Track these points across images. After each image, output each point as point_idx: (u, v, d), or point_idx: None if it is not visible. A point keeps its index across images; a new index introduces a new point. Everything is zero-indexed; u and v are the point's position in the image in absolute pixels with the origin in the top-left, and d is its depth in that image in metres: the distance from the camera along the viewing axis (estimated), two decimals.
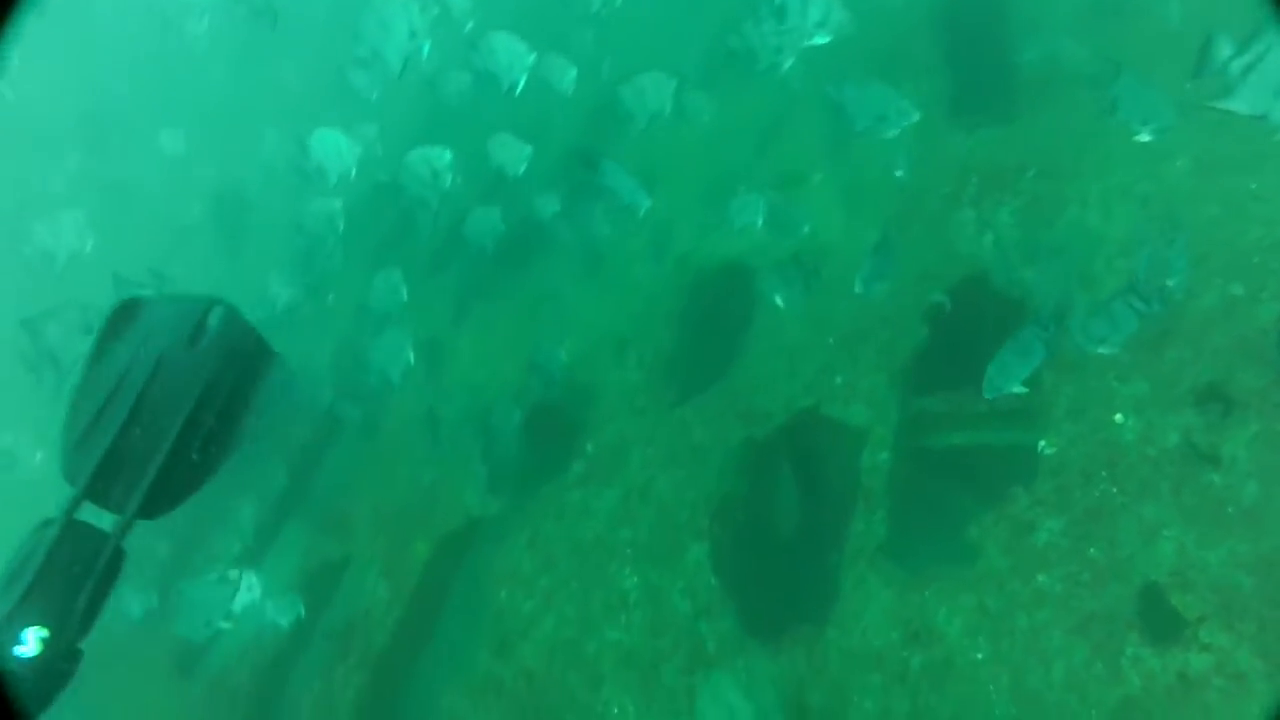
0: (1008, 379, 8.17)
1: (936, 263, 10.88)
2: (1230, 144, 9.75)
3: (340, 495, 13.67)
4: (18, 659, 6.01)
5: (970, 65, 12.93)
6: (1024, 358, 8.08)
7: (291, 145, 14.77)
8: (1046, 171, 11.42)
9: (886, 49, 13.28)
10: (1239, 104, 7.44)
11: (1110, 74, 8.14)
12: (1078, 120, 11.55)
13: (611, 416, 11.67)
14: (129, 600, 13.27)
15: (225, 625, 10.80)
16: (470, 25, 13.04)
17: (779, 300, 10.48)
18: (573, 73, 12.21)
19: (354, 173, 11.75)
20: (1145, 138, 8.29)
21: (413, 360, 11.77)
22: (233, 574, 10.86)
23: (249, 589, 11.01)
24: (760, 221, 11.30)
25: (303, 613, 11.87)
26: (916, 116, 9.01)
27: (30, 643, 5.92)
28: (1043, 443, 9.16)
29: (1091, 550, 8.36)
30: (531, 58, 10.69)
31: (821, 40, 9.50)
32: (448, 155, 11.07)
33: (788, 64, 9.77)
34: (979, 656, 8.22)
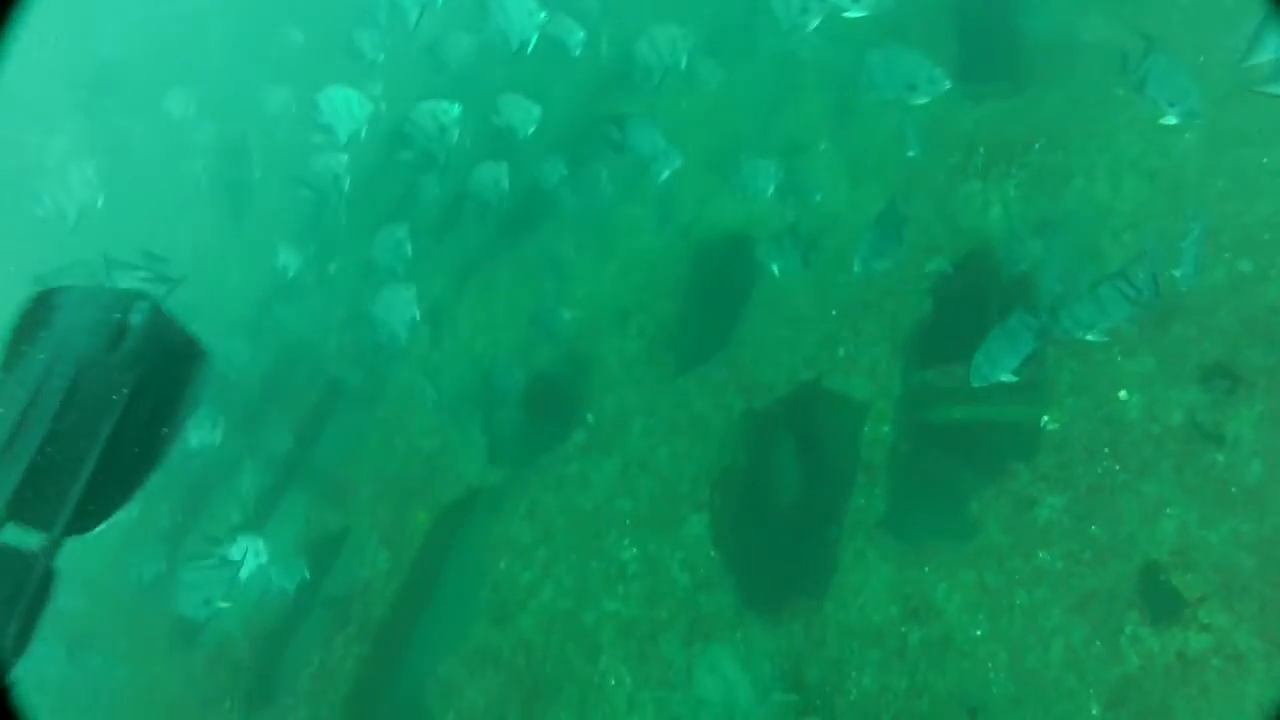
0: (995, 368, 7.99)
1: (942, 235, 10.78)
2: (1240, 117, 9.61)
3: (341, 464, 13.62)
4: None
5: (980, 36, 12.76)
6: (1013, 346, 7.88)
7: (299, 104, 14.59)
8: (1054, 144, 11.29)
9: (895, 18, 13.11)
10: None
11: (1140, 50, 7.73)
12: (1087, 93, 11.41)
13: (612, 386, 11.60)
14: (138, 566, 13.26)
15: (224, 605, 10.79)
16: None
17: (775, 270, 10.36)
18: (581, 34, 12.03)
19: (364, 131, 11.61)
20: (1171, 120, 7.88)
21: (418, 316, 11.63)
22: (235, 551, 10.84)
23: (256, 554, 11.03)
24: (771, 189, 11.15)
25: (307, 575, 11.83)
26: (948, 85, 8.56)
27: None
28: (1046, 418, 9.10)
29: (1093, 528, 8.32)
30: (542, 15, 10.54)
31: (856, 14, 9.27)
32: (455, 109, 10.84)
33: (813, 24, 9.59)
34: (978, 633, 8.19)
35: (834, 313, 10.48)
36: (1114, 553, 8.13)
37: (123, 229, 16.74)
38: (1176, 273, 8.11)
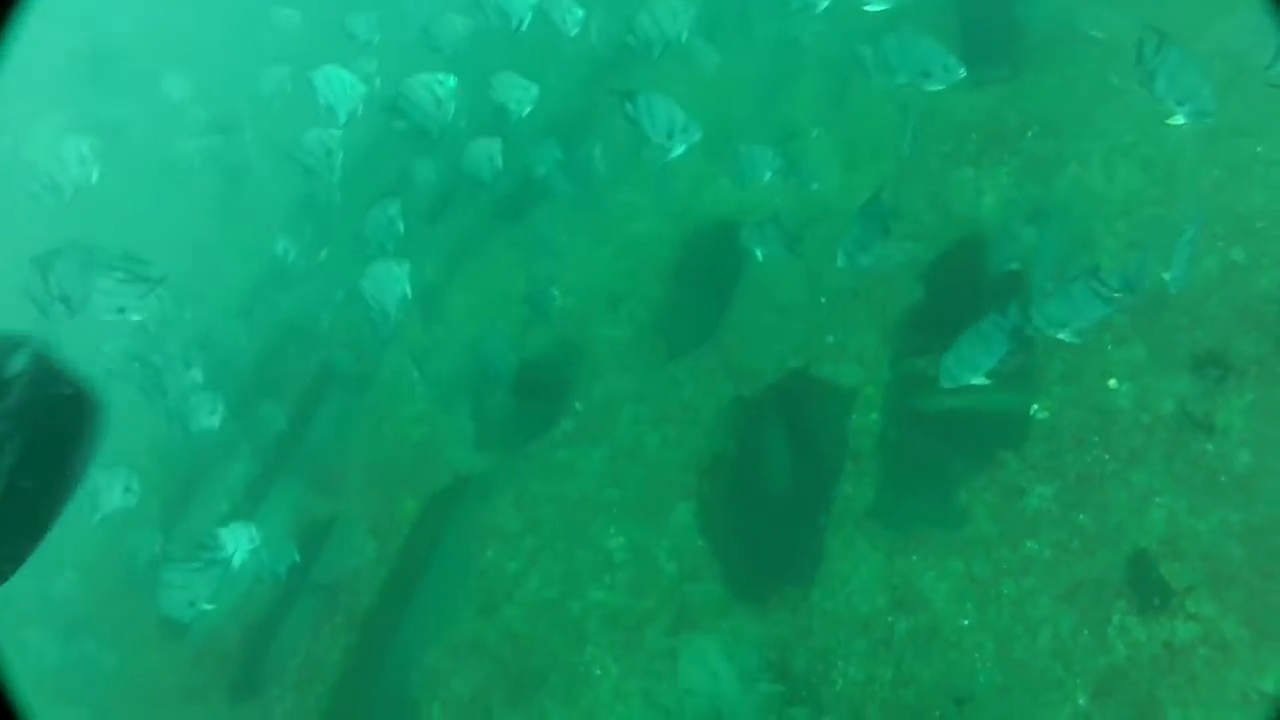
0: (965, 370, 7.83)
1: (934, 222, 10.70)
2: (1235, 107, 9.52)
3: (330, 452, 13.54)
4: None
5: (979, 22, 12.66)
6: (985, 348, 7.70)
7: (294, 83, 14.44)
8: (1048, 131, 11.22)
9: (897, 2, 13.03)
10: None
11: (1151, 44, 7.40)
12: (1082, 80, 11.33)
13: (601, 373, 11.52)
14: (135, 549, 13.19)
15: (209, 607, 10.72)
16: None
17: (759, 255, 10.24)
18: (579, 12, 11.90)
19: (359, 110, 11.49)
20: (1179, 120, 7.54)
21: (410, 293, 11.48)
22: (226, 539, 10.78)
23: (248, 541, 10.99)
24: (768, 176, 11.05)
25: (297, 558, 11.75)
26: (963, 72, 8.19)
27: None
28: (1035, 406, 9.03)
29: (1081, 517, 8.26)
30: None
31: (877, 7, 9.07)
32: (451, 82, 10.60)
33: (822, 6, 9.45)
34: (965, 623, 8.13)
35: (823, 300, 10.41)
36: (1102, 542, 8.08)
37: (117, 207, 16.72)
38: (1167, 275, 7.97)
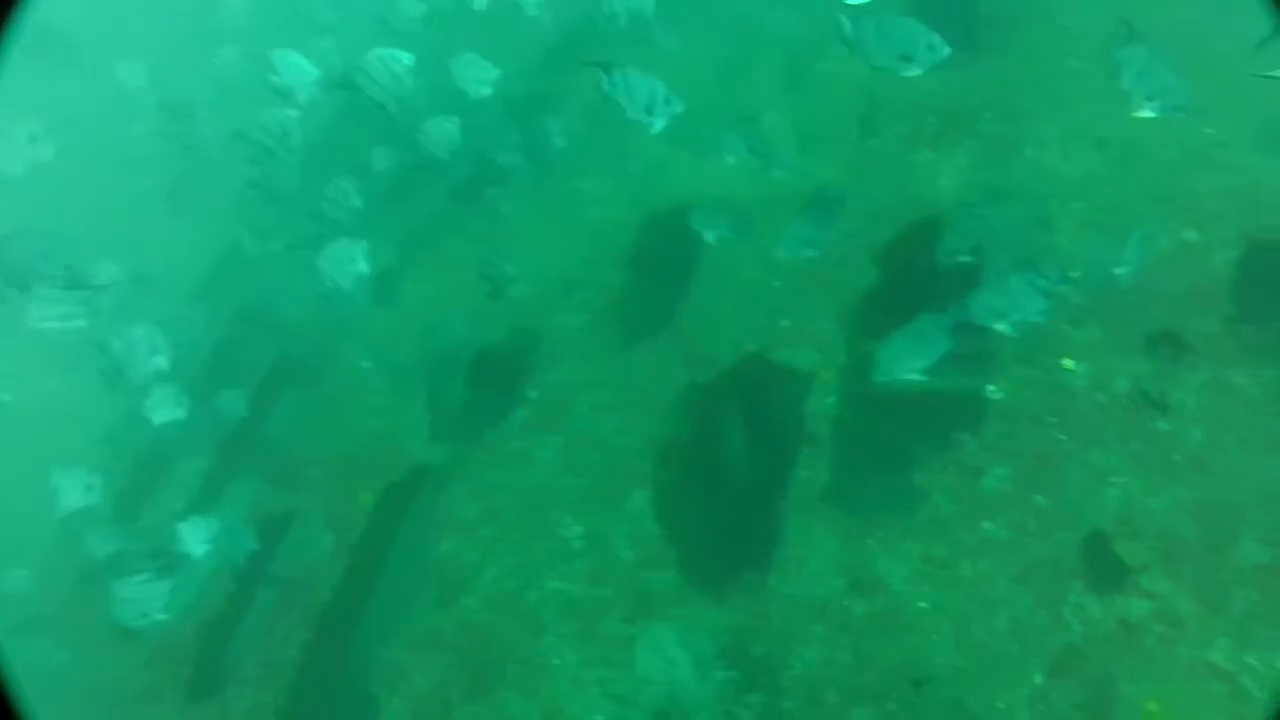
0: (900, 366, 7.80)
1: (891, 204, 10.67)
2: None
3: (286, 444, 13.36)
4: None
5: (936, 3, 12.64)
6: (921, 345, 7.66)
7: (249, 62, 14.25)
8: (1005, 113, 11.23)
9: None
10: None
11: (1121, 37, 7.44)
12: (1039, 63, 11.35)
13: (557, 361, 11.41)
14: (92, 544, 12.99)
15: (163, 617, 10.61)
16: None
17: (710, 238, 10.17)
18: None
19: (314, 95, 11.34)
20: (1148, 113, 7.50)
21: (367, 271, 11.33)
22: (185, 539, 10.69)
23: (208, 535, 10.87)
24: (732, 160, 10.99)
25: (256, 545, 11.60)
26: (947, 51, 7.84)
27: None
28: (992, 387, 9.02)
29: (1038, 497, 8.26)
30: None
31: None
32: (407, 58, 10.39)
33: None
34: (923, 605, 8.09)
35: (779, 284, 10.35)
36: (1059, 522, 8.08)
37: (69, 190, 16.46)
38: (1118, 270, 8.00)
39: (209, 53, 17.26)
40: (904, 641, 8.02)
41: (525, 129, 13.36)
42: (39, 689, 12.51)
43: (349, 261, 11.05)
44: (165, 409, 12.33)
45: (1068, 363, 8.79)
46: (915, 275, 9.99)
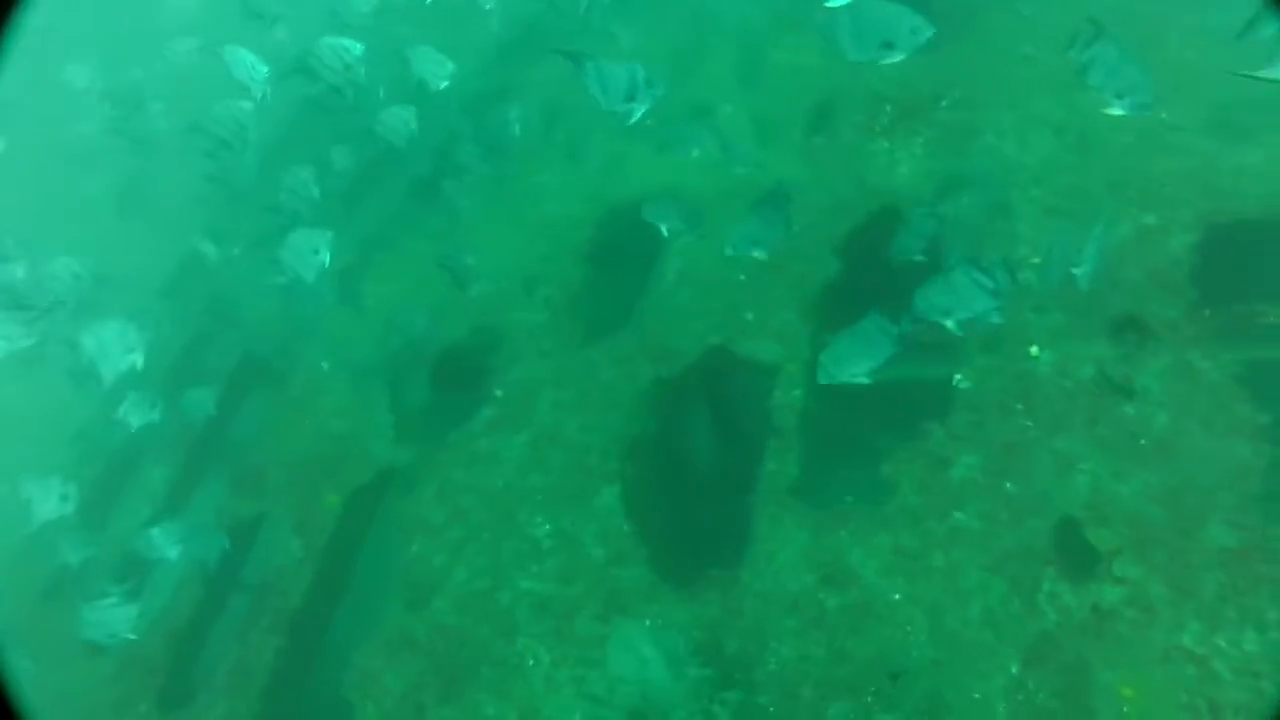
0: (843, 369, 7.68)
1: (849, 194, 10.66)
2: None
3: (252, 449, 13.18)
4: None
5: None
6: (866, 350, 7.51)
7: (201, 55, 14.00)
8: (962, 101, 11.26)
9: None
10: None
11: (1086, 35, 7.33)
12: (995, 49, 11.38)
13: (518, 359, 11.31)
14: (62, 552, 12.76)
15: (132, 636, 10.49)
16: None
17: (664, 231, 10.09)
18: None
19: (268, 92, 11.15)
20: (1117, 111, 7.43)
21: (328, 262, 11.12)
22: (157, 545, 10.59)
23: (179, 532, 11.02)
24: (695, 153, 10.91)
25: (227, 545, 11.45)
26: (931, 32, 7.41)
27: None
28: (958, 376, 9.04)
29: (1008, 485, 8.29)
30: None
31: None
32: (358, 48, 10.20)
33: None
34: (896, 597, 8.11)
35: (742, 277, 10.32)
36: (1029, 510, 8.11)
37: (23, 189, 16.15)
38: (1077, 270, 7.99)
39: (159, 47, 16.94)
40: (879, 634, 8.03)
41: (481, 124, 13.23)
42: (8, 701, 12.34)
43: (311, 252, 10.86)
44: (140, 412, 12.15)
45: (1034, 350, 8.83)
46: (876, 266, 9.98)
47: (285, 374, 13.39)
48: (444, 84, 11.26)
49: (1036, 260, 9.51)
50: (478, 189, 13.51)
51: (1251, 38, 7.10)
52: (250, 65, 10.98)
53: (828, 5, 7.54)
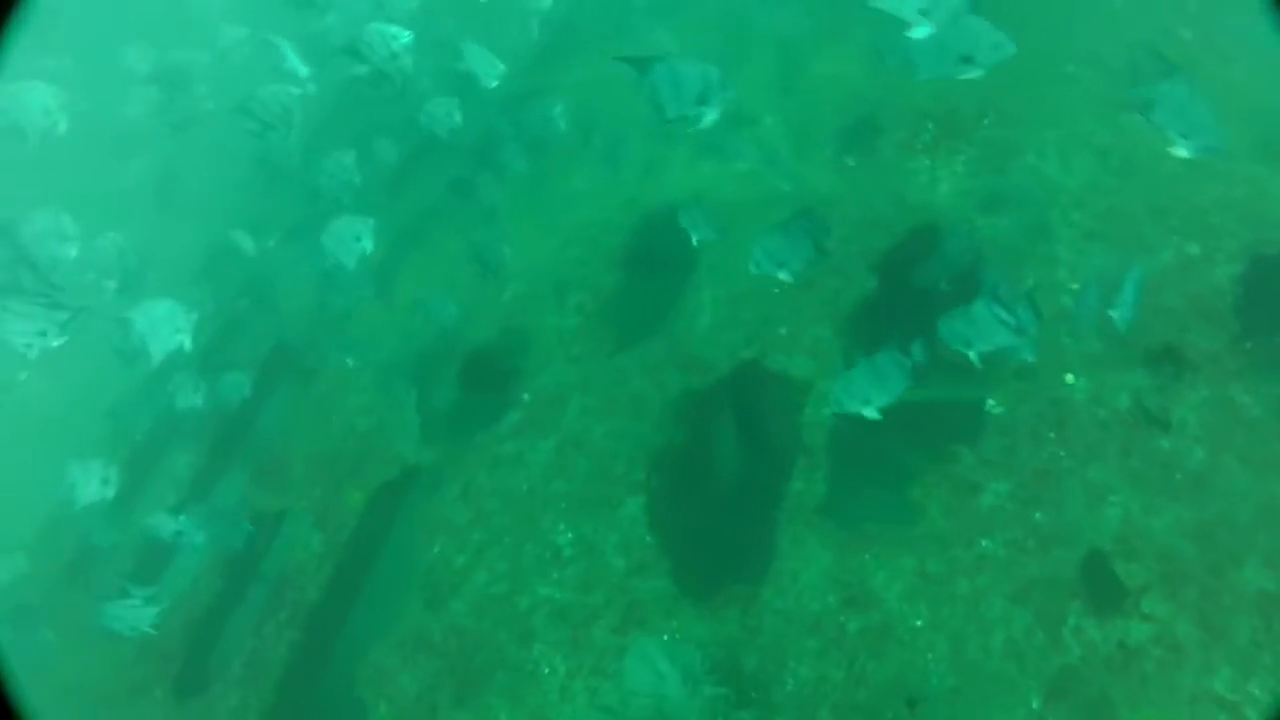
0: (854, 401, 7.58)
1: (887, 211, 10.55)
2: None
3: (277, 441, 13.22)
4: None
5: None
6: (879, 384, 7.39)
7: (251, 45, 14.11)
8: (1005, 119, 11.11)
9: None
10: None
11: (1155, 70, 6.98)
12: (1040, 68, 11.22)
13: (549, 364, 11.26)
14: (92, 531, 12.87)
15: (152, 632, 10.73)
16: None
17: (694, 239, 9.98)
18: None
19: (309, 89, 11.21)
20: (1181, 153, 6.91)
21: (370, 249, 11.13)
22: (178, 526, 10.72)
23: (205, 516, 11.25)
24: (743, 165, 10.86)
25: (251, 528, 11.51)
26: (1013, 49, 7.15)
27: None
28: (991, 401, 8.91)
29: (1037, 515, 8.15)
30: None
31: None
32: (406, 36, 10.15)
33: None
34: (918, 623, 7.99)
35: (776, 290, 10.18)
36: (1058, 540, 7.97)
37: (71, 166, 16.26)
38: (1114, 313, 7.76)
39: (211, 33, 17.09)
40: (899, 659, 7.92)
41: (522, 121, 13.21)
42: (30, 678, 12.45)
43: (353, 239, 10.91)
44: (185, 394, 12.25)
45: (1069, 378, 8.69)
46: (912, 286, 9.88)
47: (315, 368, 13.42)
48: (494, 83, 11.27)
49: (1075, 286, 9.36)
50: (514, 189, 13.49)
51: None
52: (295, 63, 11.03)
53: (909, 35, 7.13)
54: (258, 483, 12.73)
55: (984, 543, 8.13)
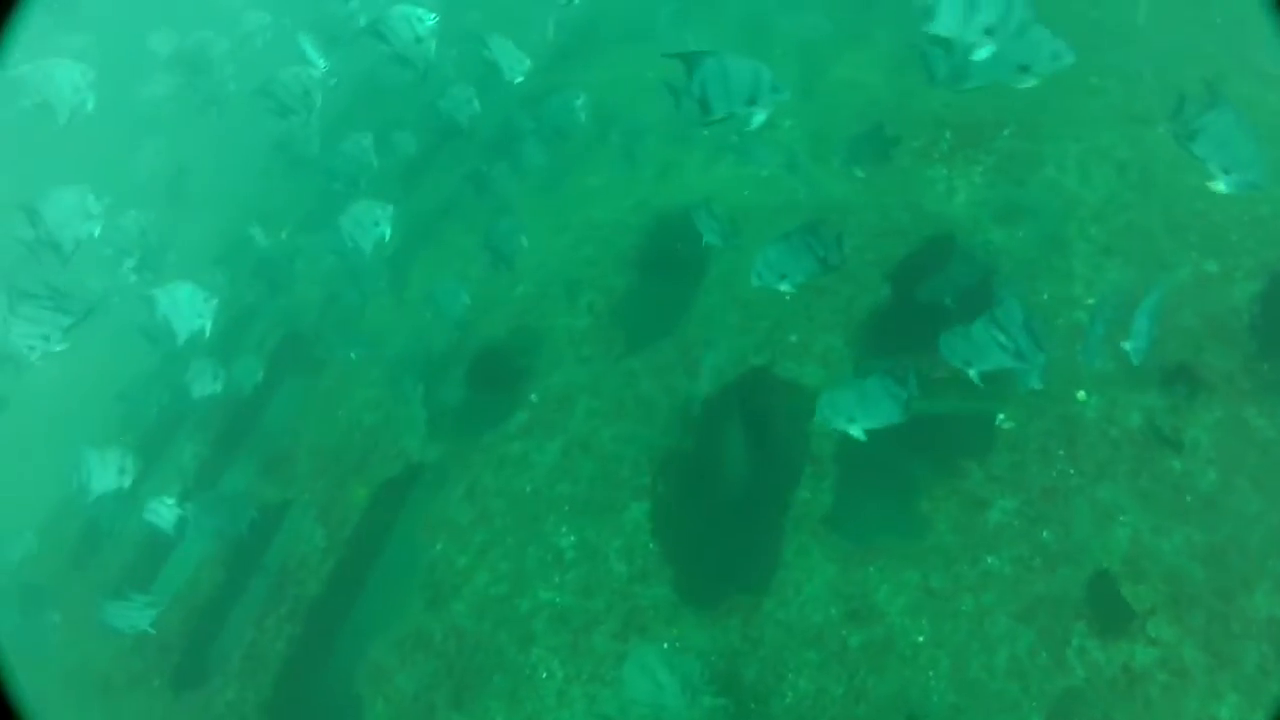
0: (839, 419, 7.53)
1: (903, 220, 10.45)
2: None
3: (283, 434, 13.19)
4: None
5: None
6: (866, 408, 7.33)
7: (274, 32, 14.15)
8: (1024, 130, 11.00)
9: None
10: None
11: (1201, 100, 6.54)
12: (1060, 79, 11.06)
13: (558, 364, 11.20)
14: (104, 514, 12.87)
15: (150, 631, 10.82)
16: None
17: (708, 240, 9.89)
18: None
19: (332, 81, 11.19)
20: (1221, 188, 6.62)
21: (388, 235, 11.09)
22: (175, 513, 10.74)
23: (205, 507, 11.23)
24: (766, 172, 10.81)
25: (256, 515, 11.49)
26: (1072, 59, 6.84)
27: None
28: (1001, 416, 8.81)
29: (1044, 533, 8.05)
30: None
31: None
32: (431, 19, 10.01)
33: None
34: (920, 639, 7.90)
35: (788, 297, 10.10)
36: (1064, 560, 7.87)
37: (107, 141, 16.28)
38: (1127, 345, 7.45)
39: (236, 18, 17.09)
40: (900, 675, 7.83)
41: (542, 114, 13.14)
42: (34, 661, 12.47)
43: (371, 224, 10.88)
44: (204, 381, 12.24)
45: (1080, 395, 8.58)
46: (926, 293, 9.78)
47: (322, 362, 13.39)
48: (519, 79, 11.22)
49: (1090, 301, 9.26)
50: (529, 185, 13.43)
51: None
52: (314, 57, 10.98)
53: (973, 58, 6.75)
54: (262, 474, 12.72)
55: (990, 559, 8.03)
